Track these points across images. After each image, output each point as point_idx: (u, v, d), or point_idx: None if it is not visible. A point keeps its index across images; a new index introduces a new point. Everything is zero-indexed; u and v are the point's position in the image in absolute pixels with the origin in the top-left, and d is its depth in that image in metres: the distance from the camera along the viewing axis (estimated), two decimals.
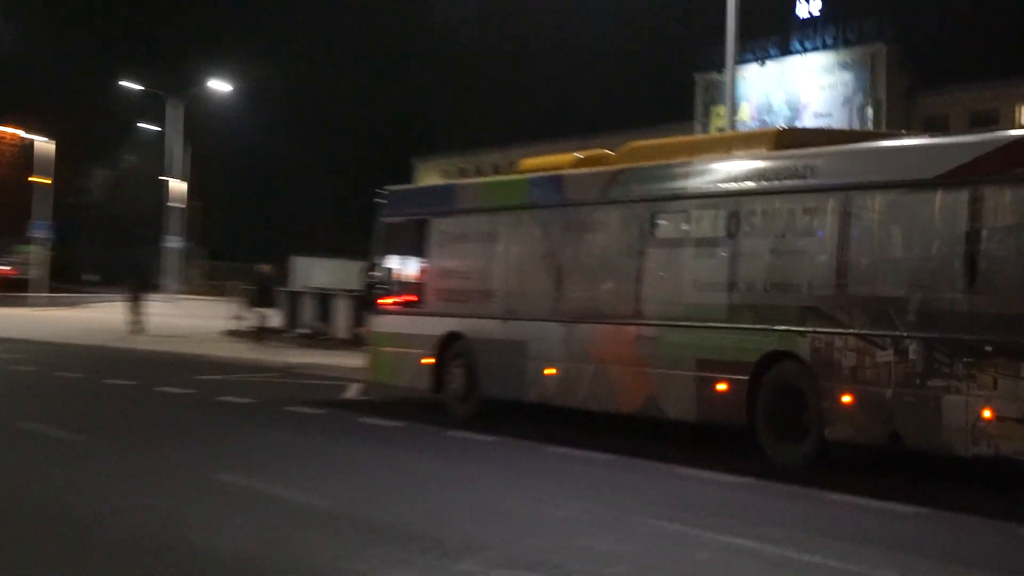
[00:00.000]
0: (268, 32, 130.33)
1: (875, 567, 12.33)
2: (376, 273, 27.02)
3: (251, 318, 45.02)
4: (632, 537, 13.62)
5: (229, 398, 27.67)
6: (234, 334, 48.73)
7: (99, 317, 64.40)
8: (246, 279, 53.95)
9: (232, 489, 16.36)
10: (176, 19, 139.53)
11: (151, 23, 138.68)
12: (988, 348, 15.96)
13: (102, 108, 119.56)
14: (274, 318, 45.70)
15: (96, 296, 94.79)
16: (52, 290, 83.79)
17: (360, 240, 37.20)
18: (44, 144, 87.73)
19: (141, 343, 45.24)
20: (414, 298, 25.87)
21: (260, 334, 43.89)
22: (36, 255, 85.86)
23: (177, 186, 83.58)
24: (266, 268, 47.69)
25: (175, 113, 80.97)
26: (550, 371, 22.49)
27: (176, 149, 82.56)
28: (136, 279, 56.97)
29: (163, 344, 44.39)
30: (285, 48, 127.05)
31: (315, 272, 64.23)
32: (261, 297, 45.09)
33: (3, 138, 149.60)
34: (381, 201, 27.28)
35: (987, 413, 15.90)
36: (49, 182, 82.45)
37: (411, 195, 28.52)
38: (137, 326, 52.08)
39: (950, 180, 16.76)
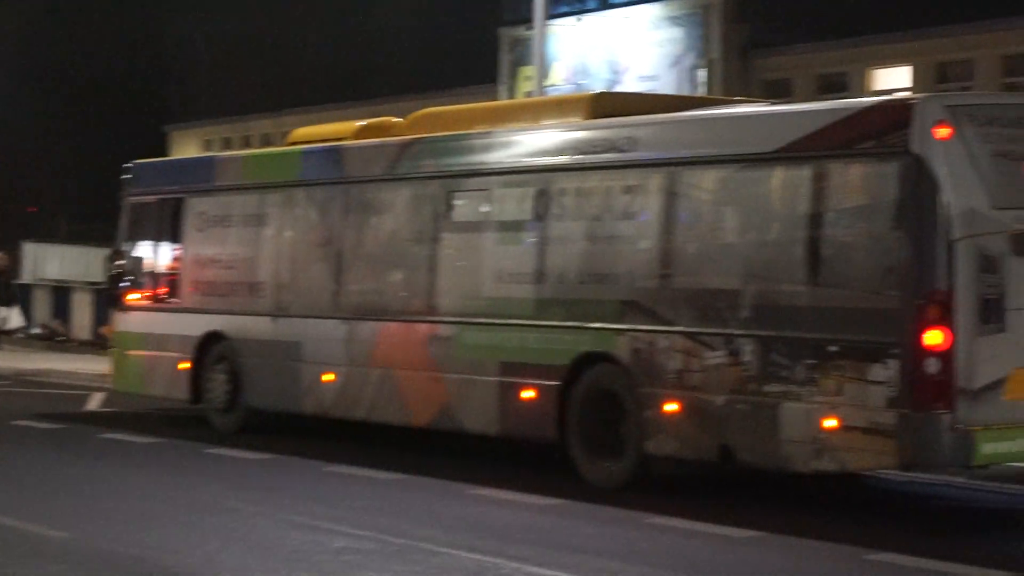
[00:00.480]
0: None
1: None
2: (122, 262, 26.68)
3: None
4: (422, 570, 13.68)
5: None
6: None
7: None
8: None
9: None
10: None
11: None
12: (833, 348, 16.20)
13: None
14: (15, 317, 44.93)
15: None
16: None
17: (105, 223, 36.81)
18: None
19: None
20: (168, 292, 25.66)
21: None
22: None
23: None
24: (1, 258, 46.79)
25: None
26: (328, 377, 22.41)
27: None
28: None
29: None
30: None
31: (50, 261, 63.49)
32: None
33: None
34: (127, 177, 27.01)
35: (831, 422, 16.12)
36: None
37: (163, 170, 28.36)
38: None
39: (791, 155, 16.97)
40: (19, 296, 45.08)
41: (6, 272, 45.28)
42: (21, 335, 46.28)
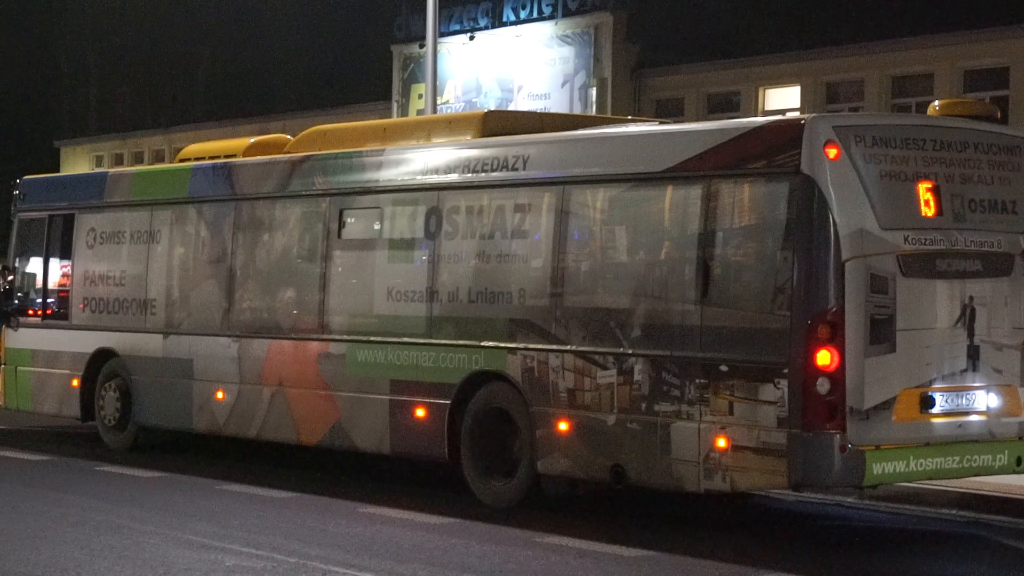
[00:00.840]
0: None
1: None
2: (12, 278, 26.51)
3: None
4: None
5: None
6: None
7: None
8: None
9: None
10: None
11: None
12: (723, 368, 16.19)
13: None
14: None
15: None
16: None
17: None
18: None
19: None
20: (59, 308, 25.45)
21: None
22: None
23: None
24: None
25: None
26: (220, 395, 22.27)
27: None
28: None
29: None
30: None
31: None
32: None
33: None
34: (17, 193, 26.81)
35: (722, 442, 16.10)
36: None
37: (53, 186, 28.06)
38: None
39: (681, 174, 16.97)
40: None
41: None
42: None
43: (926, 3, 50.19)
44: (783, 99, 50.28)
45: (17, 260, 26.41)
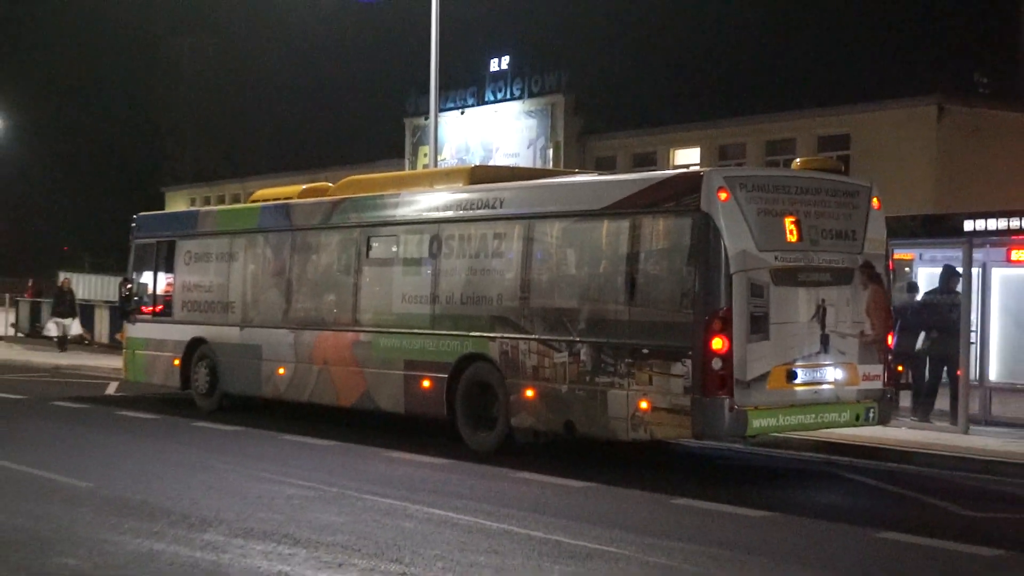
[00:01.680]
0: (31, 71, 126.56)
1: (551, 532, 12.48)
2: (130, 287, 26.41)
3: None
4: (350, 510, 13.63)
5: (2, 395, 26.79)
6: (3, 339, 47.35)
7: None
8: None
9: (5, 472, 16.05)
10: None
11: None
12: (645, 351, 16.21)
13: None
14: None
15: None
16: None
17: (118, 258, 36.34)
18: None
19: None
20: (163, 308, 25.36)
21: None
22: None
23: None
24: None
25: None
26: (281, 371, 22.23)
27: None
28: None
29: None
30: (47, 87, 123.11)
31: (78, 285, 62.69)
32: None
33: None
34: (134, 225, 26.76)
35: (644, 404, 16.12)
36: None
37: (160, 220, 27.97)
38: None
39: (614, 211, 16.99)
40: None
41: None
42: (87, 342, 45.47)
43: (790, 86, 50.36)
44: (687, 157, 50.19)
45: (134, 274, 26.29)
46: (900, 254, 21.00)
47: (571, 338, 17.24)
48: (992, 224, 20.41)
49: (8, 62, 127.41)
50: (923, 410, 21.28)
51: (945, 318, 21.00)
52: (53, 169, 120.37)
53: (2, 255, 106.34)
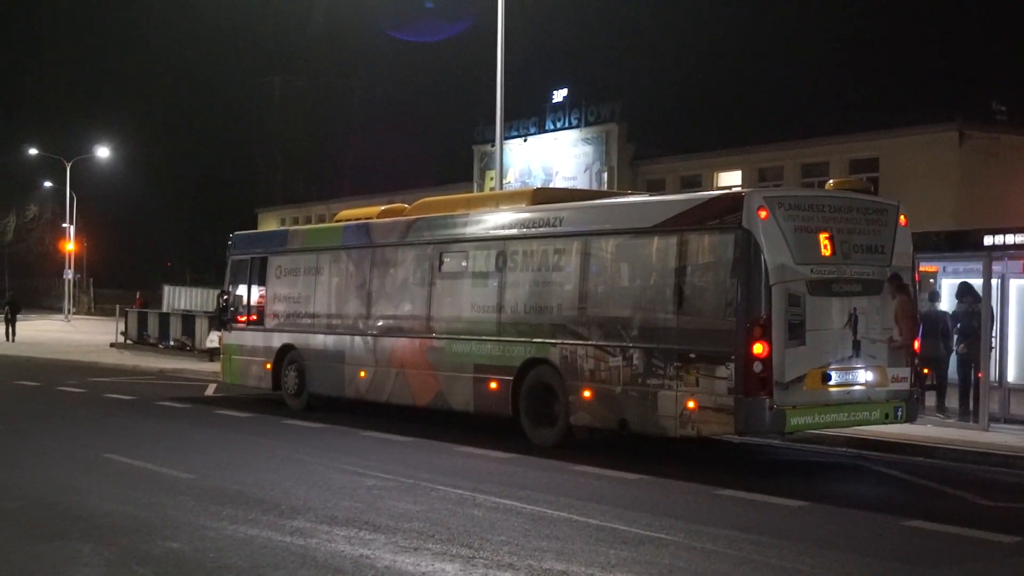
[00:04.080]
0: (141, 106, 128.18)
1: (607, 520, 12.48)
2: (227, 298, 26.60)
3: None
4: (424, 500, 13.65)
5: (114, 395, 27.14)
6: (114, 345, 47.87)
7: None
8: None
9: (117, 465, 16.26)
10: (68, 97, 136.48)
11: (47, 100, 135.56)
12: (692, 355, 16.15)
13: (6, 167, 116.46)
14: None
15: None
16: None
17: (216, 273, 36.61)
18: None
19: (43, 350, 43.90)
20: (257, 318, 25.54)
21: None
22: None
23: (70, 229, 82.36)
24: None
25: (69, 174, 79.42)
26: (362, 374, 22.31)
27: (71, 202, 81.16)
28: (9, 303, 55.54)
29: (62, 352, 43.15)
30: (154, 120, 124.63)
31: (180, 297, 63.32)
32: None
33: None
34: (230, 243, 27.00)
35: (691, 404, 16.08)
36: None
37: (253, 238, 28.17)
38: (11, 339, 51.62)
39: (663, 229, 16.95)
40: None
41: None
42: (164, 346, 45.85)
43: (823, 113, 50.21)
44: (730, 179, 50.07)
45: (230, 287, 26.49)
46: (925, 267, 20.93)
47: (624, 344, 17.21)
48: (1010, 239, 20.40)
49: (121, 101, 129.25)
50: (962, 409, 21.40)
51: (967, 326, 21.06)
52: (159, 193, 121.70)
53: (112, 272, 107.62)
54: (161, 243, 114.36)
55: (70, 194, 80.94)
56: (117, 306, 57.37)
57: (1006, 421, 20.94)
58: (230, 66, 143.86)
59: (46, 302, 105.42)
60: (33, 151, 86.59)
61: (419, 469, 16.06)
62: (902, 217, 17.01)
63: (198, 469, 15.80)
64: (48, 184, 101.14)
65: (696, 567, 10.50)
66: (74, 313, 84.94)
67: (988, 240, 20.64)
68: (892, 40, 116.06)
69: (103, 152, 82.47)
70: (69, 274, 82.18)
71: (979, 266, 20.87)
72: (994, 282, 20.92)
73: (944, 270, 22.52)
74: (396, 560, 10.53)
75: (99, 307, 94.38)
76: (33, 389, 28.99)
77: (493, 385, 19.43)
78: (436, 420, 21.23)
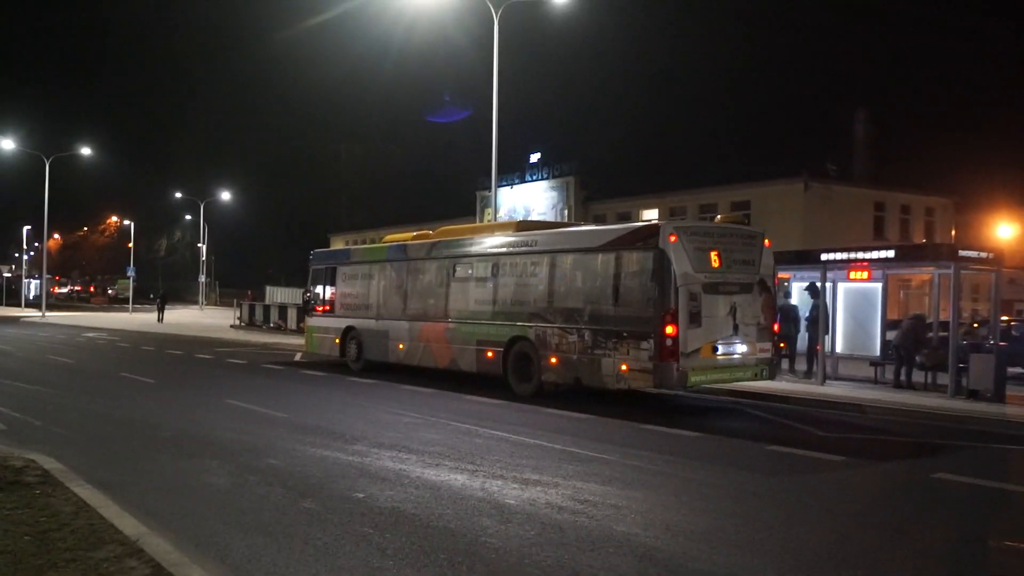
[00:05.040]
0: (252, 160, 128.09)
1: (567, 445, 12.50)
2: (308, 295, 26.53)
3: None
4: (443, 431, 13.61)
5: (233, 360, 27.02)
6: (233, 327, 47.74)
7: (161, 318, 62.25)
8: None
9: (234, 408, 16.16)
10: (201, 155, 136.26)
11: (186, 157, 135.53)
12: (624, 334, 16.16)
13: (160, 205, 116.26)
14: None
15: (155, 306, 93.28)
16: (135, 303, 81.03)
17: (302, 278, 36.55)
18: (129, 226, 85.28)
19: (184, 330, 43.81)
20: (329, 308, 25.45)
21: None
22: (126, 285, 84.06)
23: (202, 248, 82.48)
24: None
25: (200, 211, 79.37)
26: (400, 346, 22.23)
27: (203, 229, 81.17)
28: (161, 296, 59.09)
29: (197, 331, 43.06)
30: (261, 171, 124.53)
31: (278, 293, 63.26)
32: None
33: (111, 223, 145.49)
34: (311, 257, 26.90)
35: (624, 367, 16.10)
36: (131, 246, 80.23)
37: (327, 253, 28.06)
38: (161, 321, 53.16)
39: (605, 248, 16.93)
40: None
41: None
42: (266, 327, 45.77)
43: (713, 167, 50.42)
44: (650, 214, 50.11)
45: (311, 287, 26.39)
46: (782, 274, 21.01)
47: (579, 326, 17.20)
48: (838, 256, 20.54)
49: (238, 157, 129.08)
50: (805, 370, 21.49)
51: (813, 314, 21.27)
52: (263, 222, 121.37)
53: (230, 275, 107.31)
54: (264, 256, 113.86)
55: (203, 223, 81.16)
56: (234, 300, 57.36)
57: (836, 379, 21.04)
58: (313, 133, 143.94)
59: (187, 297, 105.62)
60: (178, 194, 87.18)
61: (439, 411, 16.05)
62: (766, 241, 17.05)
63: (289, 410, 15.76)
64: (188, 217, 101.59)
65: (627, 476, 10.53)
66: (206, 304, 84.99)
67: (824, 256, 20.81)
68: (761, 113, 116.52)
69: (225, 194, 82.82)
70: (202, 278, 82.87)
71: (818, 274, 21.01)
72: (828, 284, 21.07)
73: (794, 276, 22.62)
74: (424, 472, 10.53)
75: (222, 300, 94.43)
76: (177, 356, 28.88)
77: (489, 354, 19.38)
78: (450, 378, 21.23)
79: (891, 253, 19.97)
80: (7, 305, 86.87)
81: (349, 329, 24.30)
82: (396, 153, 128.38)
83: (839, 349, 21.51)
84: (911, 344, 20.05)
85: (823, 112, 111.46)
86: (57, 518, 7.92)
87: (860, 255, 20.22)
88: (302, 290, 32.08)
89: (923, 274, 23.50)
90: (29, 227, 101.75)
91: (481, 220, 57.04)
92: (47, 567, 6.59)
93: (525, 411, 16.35)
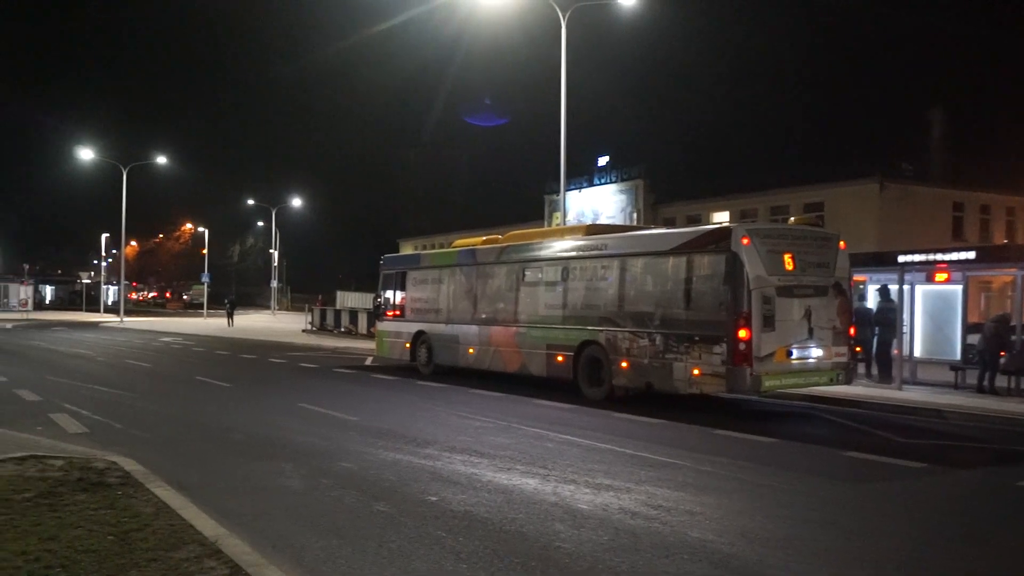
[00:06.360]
0: (323, 168, 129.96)
1: (638, 450, 12.43)
2: (379, 299, 26.76)
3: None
4: (513, 436, 13.61)
5: (305, 364, 27.43)
6: (304, 331, 48.36)
7: (236, 323, 63.32)
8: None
9: (307, 411, 16.34)
10: (273, 163, 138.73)
11: (259, 166, 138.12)
12: (696, 338, 16.04)
13: (232, 212, 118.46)
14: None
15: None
16: (210, 308, 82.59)
17: (372, 282, 36.94)
18: (203, 232, 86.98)
19: (257, 334, 44.56)
20: (400, 312, 25.64)
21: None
22: (201, 291, 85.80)
23: (274, 254, 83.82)
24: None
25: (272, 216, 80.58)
26: (471, 351, 22.32)
27: (275, 235, 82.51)
28: (230, 302, 60.30)
29: (269, 336, 43.74)
30: (332, 178, 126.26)
31: (349, 299, 64.00)
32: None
33: (185, 230, 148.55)
34: (381, 261, 27.12)
35: (696, 371, 16.00)
36: (205, 252, 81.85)
37: (397, 259, 28.30)
38: (231, 326, 54.63)
39: (676, 252, 16.82)
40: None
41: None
42: (338, 331, 46.33)
43: (786, 168, 49.90)
44: (721, 217, 49.76)
45: (381, 291, 26.58)
46: (857, 276, 20.69)
47: (650, 330, 17.12)
48: (916, 258, 20.19)
49: (310, 166, 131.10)
50: (882, 375, 21.17)
51: (886, 318, 20.89)
52: (334, 228, 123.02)
53: (301, 280, 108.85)
54: (335, 261, 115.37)
55: (275, 229, 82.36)
56: (306, 305, 58.15)
57: (913, 383, 20.63)
58: (382, 141, 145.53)
59: (259, 302, 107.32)
60: (251, 201, 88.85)
61: (509, 415, 16.07)
62: (841, 243, 16.79)
63: (361, 414, 15.91)
64: (260, 223, 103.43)
65: (700, 482, 10.43)
66: (278, 309, 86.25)
67: (901, 258, 20.46)
68: (833, 112, 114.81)
69: (296, 201, 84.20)
70: (274, 283, 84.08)
71: (895, 276, 20.62)
72: (905, 287, 20.66)
73: (870, 279, 22.23)
74: (496, 476, 10.55)
75: (294, 305, 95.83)
76: (250, 360, 29.37)
77: (560, 358, 19.37)
78: (520, 382, 21.26)
79: (972, 254, 19.54)
80: (87, 311, 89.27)
81: (419, 333, 24.45)
82: (462, 157, 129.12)
83: (917, 353, 21.09)
84: (995, 347, 19.55)
85: (897, 111, 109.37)
86: (139, 519, 8.10)
87: (939, 256, 19.81)
88: (372, 295, 32.43)
89: (1005, 275, 22.94)
90: (107, 234, 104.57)
91: (549, 224, 57.08)
92: (130, 566, 6.74)
93: (595, 415, 16.29)
